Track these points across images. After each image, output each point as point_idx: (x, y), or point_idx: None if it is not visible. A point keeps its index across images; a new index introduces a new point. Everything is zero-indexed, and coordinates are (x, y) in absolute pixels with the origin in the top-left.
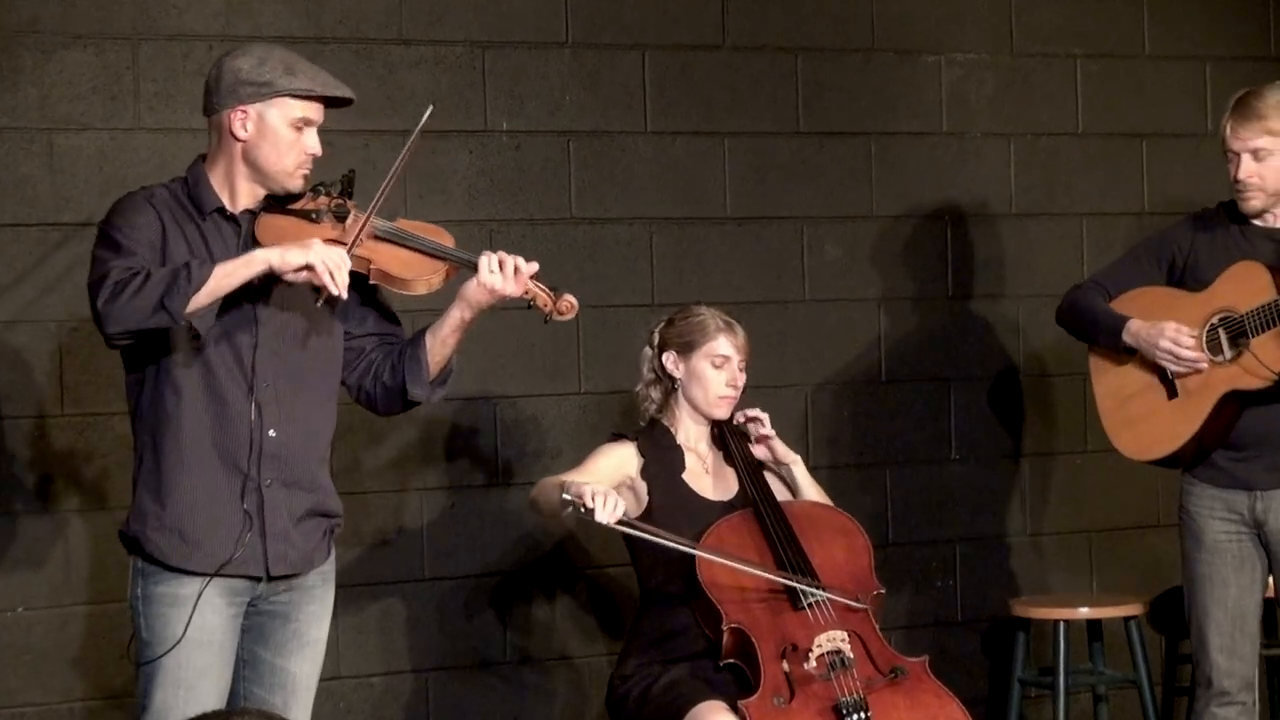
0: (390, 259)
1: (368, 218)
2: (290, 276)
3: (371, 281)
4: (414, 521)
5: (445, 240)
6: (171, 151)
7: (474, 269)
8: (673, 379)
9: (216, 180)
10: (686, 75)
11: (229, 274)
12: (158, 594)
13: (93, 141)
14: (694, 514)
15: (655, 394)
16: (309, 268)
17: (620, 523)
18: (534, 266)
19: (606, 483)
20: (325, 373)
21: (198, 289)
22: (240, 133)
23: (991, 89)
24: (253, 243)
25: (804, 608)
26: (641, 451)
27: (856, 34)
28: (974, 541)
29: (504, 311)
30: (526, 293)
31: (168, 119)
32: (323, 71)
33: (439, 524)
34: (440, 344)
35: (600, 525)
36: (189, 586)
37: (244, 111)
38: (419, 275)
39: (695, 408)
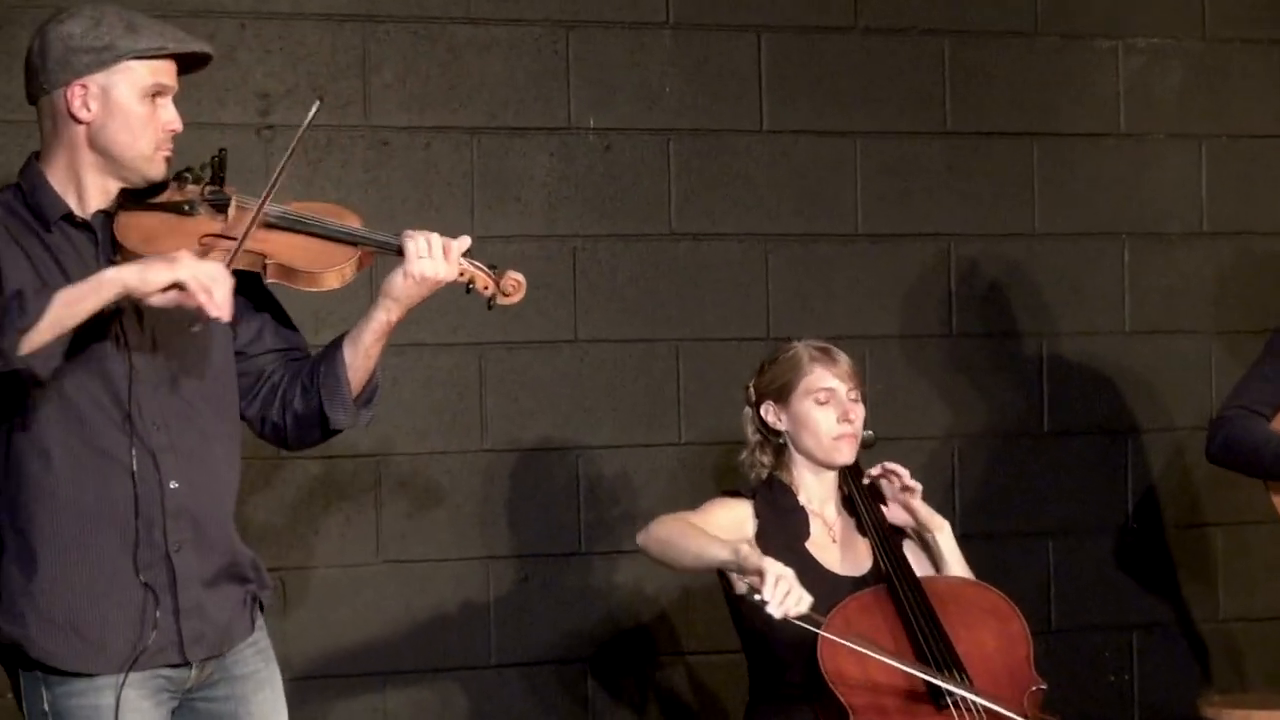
0: (290, 249)
1: (262, 204)
2: (156, 300)
3: (269, 280)
4: (479, 596)
5: (351, 220)
6: (196, 151)
7: (398, 253)
8: (778, 434)
9: (57, 179)
10: (811, 63)
11: (74, 302)
12: (72, 709)
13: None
14: (818, 590)
15: (766, 458)
16: (178, 286)
17: (799, 618)
18: (465, 242)
19: (708, 528)
20: (224, 403)
21: (34, 322)
22: (82, 113)
23: (1179, 80)
24: (113, 250)
25: (947, 707)
26: (758, 513)
27: (1017, 14)
28: (1155, 628)
29: (587, 344)
30: (462, 274)
31: (190, 111)
32: (168, 25)
33: (508, 599)
34: (363, 355)
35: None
36: (106, 695)
37: (83, 86)
38: (328, 265)
39: (813, 459)
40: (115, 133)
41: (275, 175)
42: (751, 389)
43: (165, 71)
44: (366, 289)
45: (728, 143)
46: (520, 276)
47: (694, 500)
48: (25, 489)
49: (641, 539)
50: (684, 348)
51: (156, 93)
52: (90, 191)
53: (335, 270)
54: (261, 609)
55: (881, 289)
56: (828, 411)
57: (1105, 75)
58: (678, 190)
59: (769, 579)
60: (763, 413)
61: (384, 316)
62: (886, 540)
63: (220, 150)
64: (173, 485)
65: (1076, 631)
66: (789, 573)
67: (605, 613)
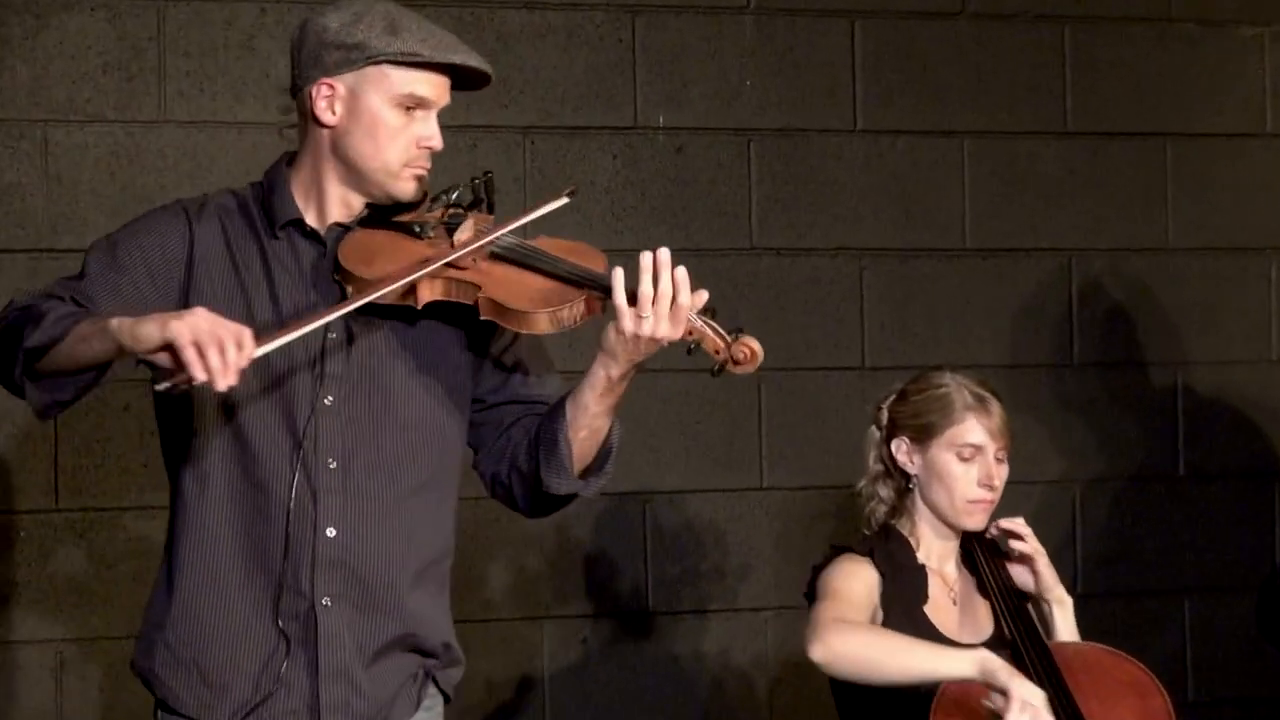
0: (505, 284)
1: (492, 238)
2: (154, 358)
3: (483, 316)
4: (532, 660)
5: (592, 261)
6: (208, 152)
7: (630, 300)
8: (906, 475)
9: (299, 185)
10: (911, 53)
11: (86, 338)
12: None
13: (102, 138)
14: None
15: (885, 492)
16: (168, 348)
17: None
18: (701, 297)
19: (864, 619)
20: (434, 453)
21: (40, 344)
22: (325, 115)
23: None
24: (335, 269)
25: None
26: (880, 570)
27: None
28: None
29: (656, 374)
30: (690, 333)
31: (204, 108)
32: (444, 32)
33: (565, 664)
34: (585, 413)
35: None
36: None
37: (329, 86)
38: (542, 306)
39: (938, 514)
40: (359, 141)
41: (513, 223)
42: (885, 412)
43: (427, 83)
44: None
45: (816, 144)
46: (756, 345)
47: (779, 551)
48: (179, 513)
49: (821, 654)
50: (767, 378)
51: (413, 104)
52: (331, 202)
53: (548, 313)
54: (443, 694)
55: (992, 311)
56: (970, 470)
57: (1249, 67)
58: (759, 198)
59: (1014, 705)
60: (893, 447)
61: (602, 372)
62: (1012, 602)
63: (485, 173)
64: (329, 532)
65: (1217, 705)
66: (1039, 698)
67: (675, 682)
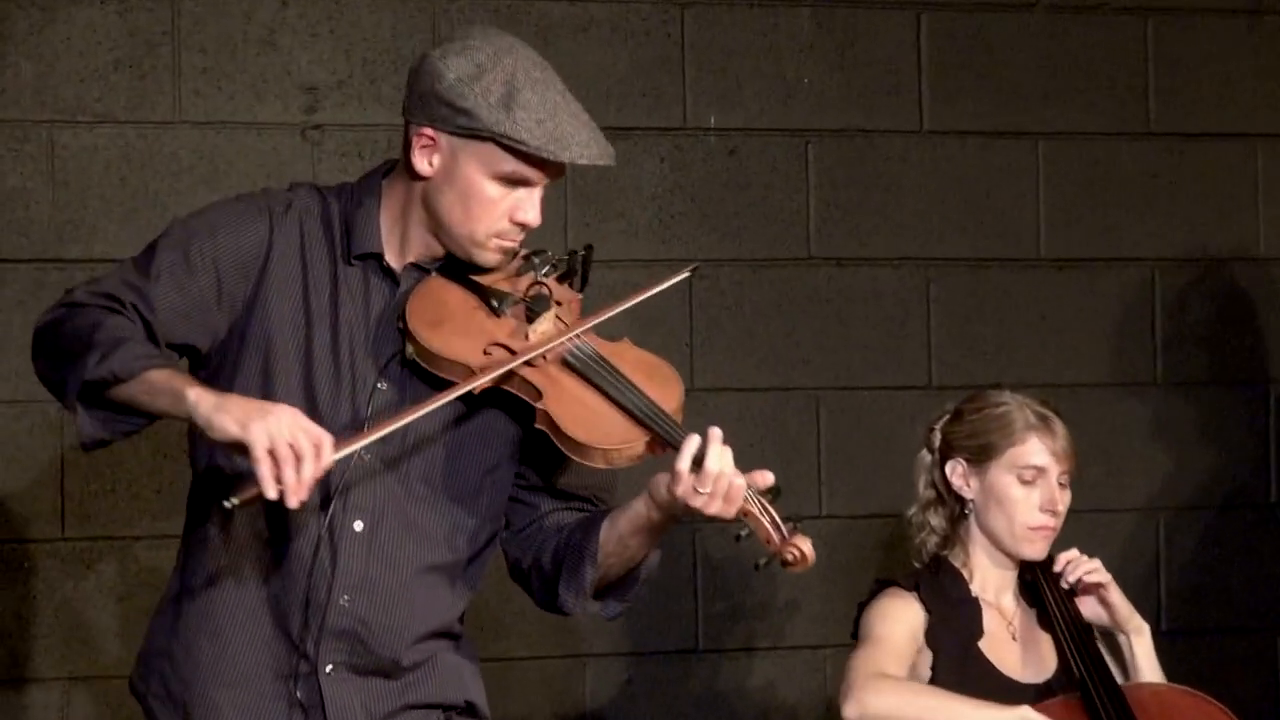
0: (568, 403)
1: (570, 336)
2: (226, 449)
3: (536, 425)
4: (573, 701)
5: (668, 392)
6: (226, 155)
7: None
8: (961, 500)
9: (388, 213)
10: (982, 47)
11: (153, 392)
12: None
13: (112, 140)
14: (993, 699)
15: (937, 520)
16: (242, 448)
17: None
18: (766, 480)
19: (906, 664)
20: (467, 524)
21: (102, 378)
22: (421, 165)
23: None
24: (400, 316)
25: None
26: (927, 606)
27: None
28: None
29: (704, 393)
30: (745, 515)
31: (221, 108)
32: (565, 103)
33: (609, 706)
34: (617, 540)
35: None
36: None
37: (431, 138)
38: (601, 443)
39: (996, 542)
40: (450, 203)
41: (607, 313)
42: (938, 433)
43: (533, 167)
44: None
45: (879, 146)
46: (808, 547)
47: (837, 586)
48: (199, 542)
49: (855, 713)
50: (825, 398)
51: (513, 182)
52: (412, 243)
53: (602, 450)
54: None
55: (1069, 326)
56: (1031, 495)
57: None
58: (817, 204)
59: None
60: (948, 470)
61: (644, 512)
62: (1079, 637)
63: (587, 246)
64: (343, 600)
65: None
66: None
67: None
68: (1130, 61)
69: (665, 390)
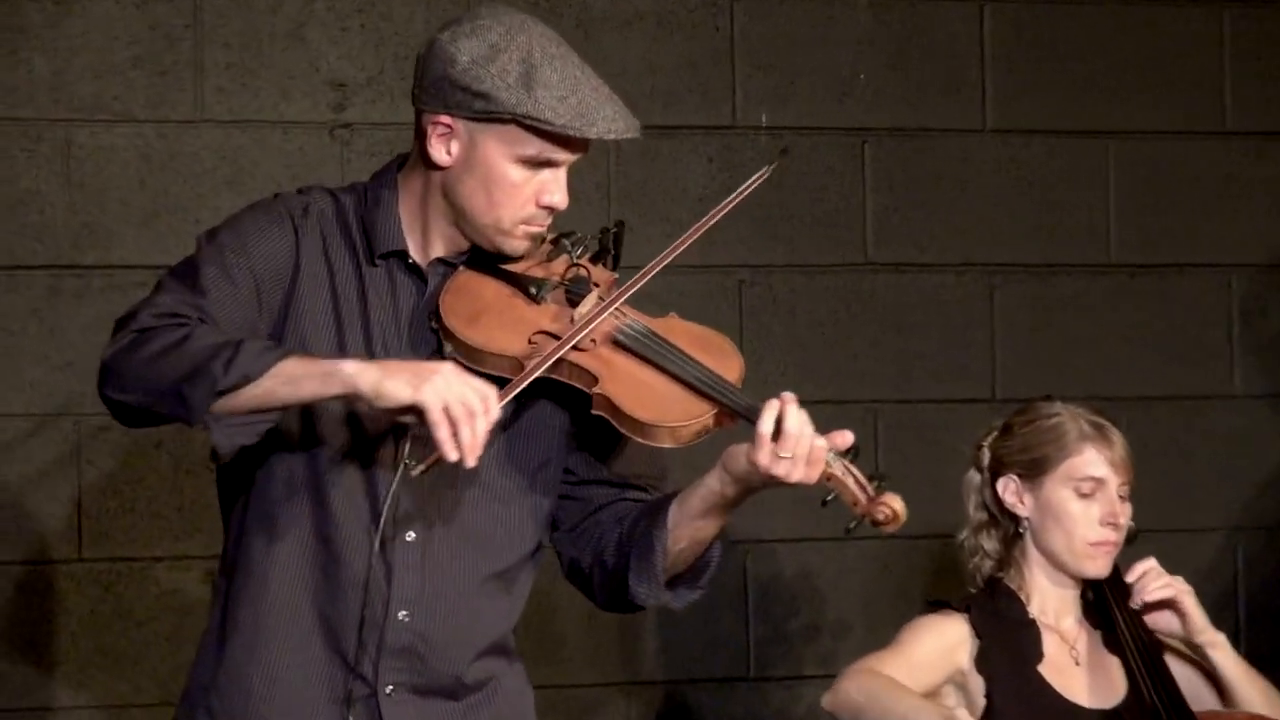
0: (626, 383)
1: (613, 302)
2: (392, 416)
3: (595, 411)
4: None
5: (727, 362)
6: (251, 155)
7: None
8: (1015, 519)
9: (407, 208)
10: (1049, 41)
11: (295, 380)
12: None
13: (130, 140)
14: None
15: (990, 543)
16: (416, 409)
17: None
18: (845, 440)
19: (925, 680)
20: (525, 530)
21: (237, 384)
22: (439, 154)
23: None
24: (433, 315)
25: None
26: (977, 630)
27: None
28: None
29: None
30: (827, 479)
31: (246, 106)
32: (587, 78)
33: None
34: (688, 522)
35: None
36: None
37: (447, 125)
38: (664, 419)
39: (1054, 561)
40: (472, 191)
41: (655, 263)
42: (987, 451)
43: (558, 146)
44: None
45: (940, 145)
46: (899, 505)
47: (894, 609)
48: (242, 567)
49: (829, 701)
50: (884, 411)
51: (538, 164)
52: (435, 237)
53: (669, 428)
54: None
55: (1142, 335)
56: (1090, 508)
57: None
58: (875, 207)
59: None
60: (1000, 487)
61: (717, 487)
62: (1150, 659)
63: (618, 223)
64: (401, 615)
65: None
66: None
67: None
68: (1206, 55)
69: (725, 361)
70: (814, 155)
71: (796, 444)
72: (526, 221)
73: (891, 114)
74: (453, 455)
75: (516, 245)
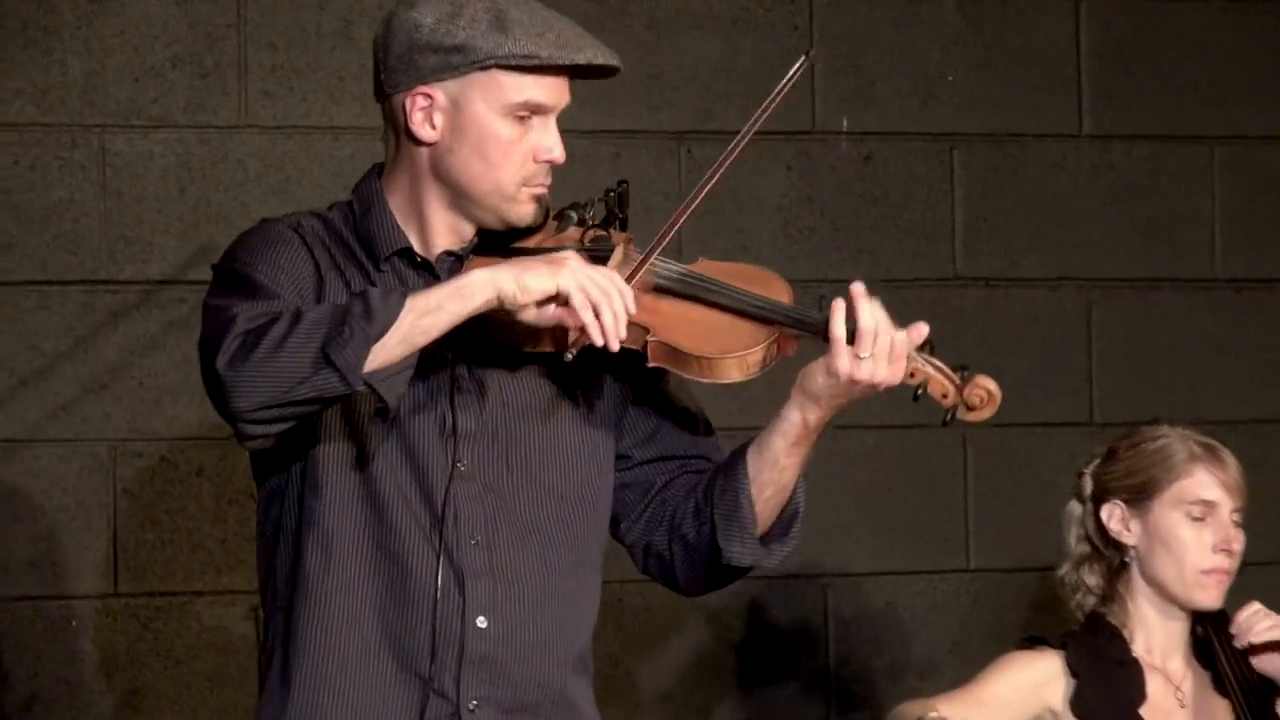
0: (680, 324)
1: (650, 255)
2: (530, 316)
3: (653, 363)
4: None
5: (778, 290)
6: (300, 164)
7: (824, 338)
8: (1120, 548)
9: (399, 205)
10: (1150, 40)
11: (430, 310)
12: None
13: (170, 147)
14: None
15: (1093, 578)
16: (560, 298)
17: None
18: (921, 333)
19: (999, 718)
20: (586, 522)
21: (383, 332)
22: (423, 130)
23: None
24: None
25: None
26: (1073, 669)
27: None
28: None
29: (840, 431)
30: (913, 375)
31: (292, 110)
32: (557, 17)
33: None
34: (773, 467)
35: None
36: None
37: (426, 96)
38: (727, 350)
39: (1164, 591)
40: (465, 160)
41: (682, 208)
42: (1089, 478)
43: (544, 87)
44: None
45: (1033, 151)
46: (993, 385)
47: (988, 647)
48: (300, 593)
49: None
50: (973, 437)
51: (527, 112)
52: (435, 229)
53: (736, 358)
54: None
55: (1250, 354)
56: (1201, 533)
57: None
58: (964, 218)
59: None
60: (1104, 515)
61: (798, 417)
62: (1257, 706)
63: (620, 183)
64: (480, 623)
65: None
66: None
67: None
68: None
69: (772, 286)
70: (899, 162)
71: (875, 340)
72: (528, 182)
73: (981, 118)
74: (599, 339)
75: (523, 210)
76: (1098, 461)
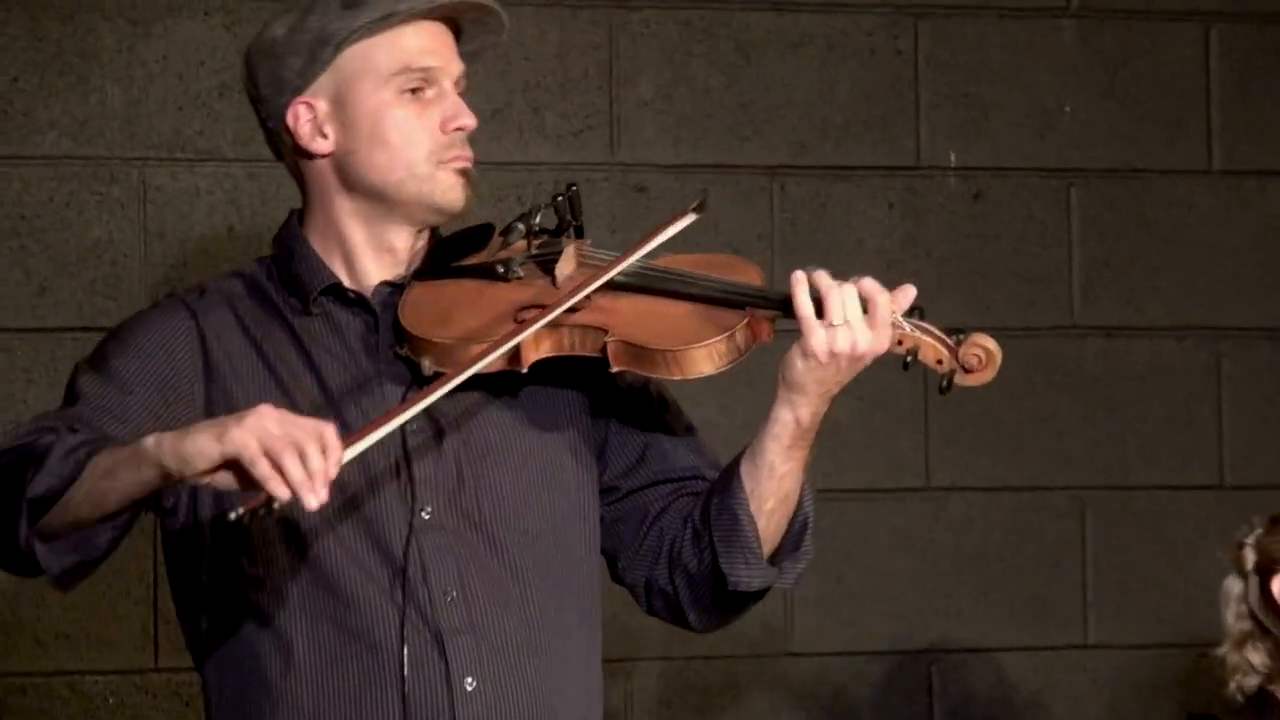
0: (638, 320)
1: (615, 267)
2: (213, 480)
3: (615, 368)
4: None
5: (744, 274)
6: None
7: (792, 315)
8: None
9: (321, 242)
10: None
11: (109, 473)
12: None
13: (217, 183)
14: None
15: (1258, 656)
16: (232, 464)
17: None
18: (907, 296)
19: None
20: (570, 571)
21: (54, 489)
22: (315, 143)
23: None
24: (398, 338)
25: None
26: None
27: None
28: None
29: (943, 492)
30: (900, 342)
31: None
32: None
33: None
34: (768, 475)
35: None
36: None
37: (307, 105)
38: (695, 340)
39: None
40: (368, 155)
41: (643, 243)
42: (1251, 550)
43: (420, 44)
44: None
45: (1159, 189)
46: (991, 343)
47: None
48: (258, 699)
49: None
50: (1093, 500)
51: (416, 79)
52: (362, 254)
53: (704, 347)
54: None
55: None
56: None
57: None
58: (1083, 260)
59: None
60: (1275, 588)
61: (788, 415)
62: None
63: (569, 186)
64: (468, 683)
65: None
66: None
67: None
68: None
69: (739, 272)
70: (1012, 200)
71: (844, 304)
72: (441, 156)
73: (1102, 152)
74: (282, 493)
75: (446, 187)
76: (1260, 532)
